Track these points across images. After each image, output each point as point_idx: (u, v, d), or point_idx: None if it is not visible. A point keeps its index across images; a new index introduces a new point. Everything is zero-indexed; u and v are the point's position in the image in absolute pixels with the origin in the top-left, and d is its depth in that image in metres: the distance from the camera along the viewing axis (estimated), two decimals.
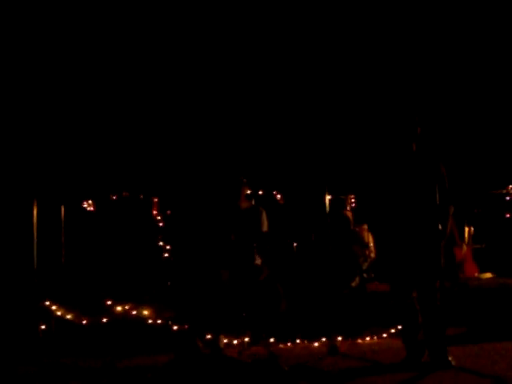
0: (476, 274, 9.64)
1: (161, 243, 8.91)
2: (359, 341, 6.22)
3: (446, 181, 5.24)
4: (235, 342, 6.00)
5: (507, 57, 10.75)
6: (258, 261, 5.96)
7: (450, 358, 5.10)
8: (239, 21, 10.69)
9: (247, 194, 6.26)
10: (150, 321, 6.63)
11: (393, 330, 6.24)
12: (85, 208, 9.15)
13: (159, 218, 9.31)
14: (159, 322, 6.60)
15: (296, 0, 10.72)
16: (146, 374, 5.21)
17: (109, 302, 7.04)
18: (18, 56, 10.12)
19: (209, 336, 5.77)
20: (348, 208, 9.45)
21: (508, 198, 10.66)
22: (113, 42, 10.54)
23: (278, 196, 9.69)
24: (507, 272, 9.42)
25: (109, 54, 10.64)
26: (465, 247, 9.72)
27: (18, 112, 10.18)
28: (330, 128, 10.84)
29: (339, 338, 6.02)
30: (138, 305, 7.06)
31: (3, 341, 6.29)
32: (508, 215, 10.54)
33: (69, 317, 6.67)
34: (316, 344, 6.08)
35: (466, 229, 9.86)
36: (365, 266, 8.77)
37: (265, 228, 6.03)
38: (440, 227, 5.18)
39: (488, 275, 9.60)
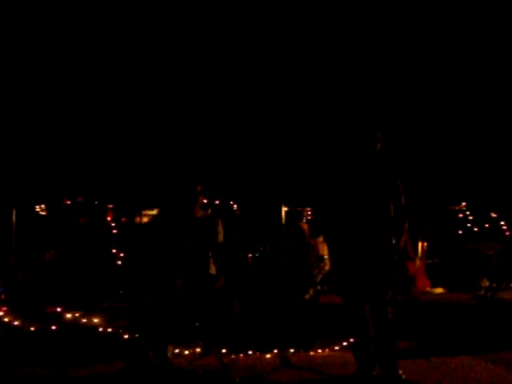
0: (428, 289, 9.75)
1: (114, 250, 8.81)
2: (311, 353, 6.20)
3: (402, 196, 5.28)
4: (186, 351, 5.93)
5: (463, 72, 10.93)
6: (213, 270, 5.91)
7: (400, 372, 5.12)
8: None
9: (203, 203, 6.22)
10: (100, 329, 6.53)
11: (345, 343, 6.25)
12: (37, 212, 9.01)
13: (113, 224, 9.20)
14: (110, 330, 6.50)
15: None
16: (98, 382, 5.11)
17: (58, 309, 6.92)
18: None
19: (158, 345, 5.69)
20: (304, 220, 9.48)
21: (461, 214, 10.84)
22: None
23: (235, 206, 9.67)
24: (458, 287, 9.55)
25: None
26: (418, 261, 9.82)
27: None
28: (288, 139, 10.87)
29: (291, 350, 6.00)
30: (89, 312, 6.94)
31: None
32: (460, 231, 10.70)
33: (16, 323, 6.52)
34: (268, 355, 6.04)
35: (420, 243, 9.98)
36: (319, 278, 8.79)
37: (221, 238, 5.99)
38: (394, 241, 5.21)
39: (440, 290, 9.72)
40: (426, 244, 10.09)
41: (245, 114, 11.05)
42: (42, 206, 9.29)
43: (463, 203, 10.70)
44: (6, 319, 6.51)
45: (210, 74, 10.93)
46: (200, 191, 6.03)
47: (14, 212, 8.56)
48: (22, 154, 10.17)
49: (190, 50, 10.83)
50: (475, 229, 10.72)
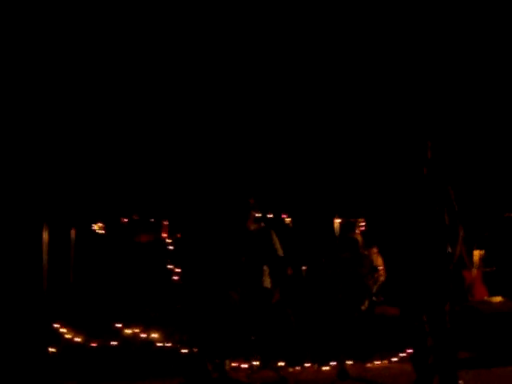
0: (485, 298, 9.58)
1: (170, 266, 8.92)
2: (369, 365, 6.18)
3: (454, 204, 5.24)
4: (244, 365, 5.97)
5: None
6: (267, 283, 5.94)
7: (460, 382, 5.06)
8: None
9: (256, 217, 6.26)
10: (159, 344, 6.62)
11: (403, 354, 6.20)
12: (95, 230, 9.19)
13: (169, 240, 9.33)
14: (168, 345, 6.59)
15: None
16: None
17: (118, 325, 7.04)
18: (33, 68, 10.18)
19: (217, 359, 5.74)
20: (357, 231, 9.44)
21: None
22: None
23: (288, 219, 9.69)
24: None
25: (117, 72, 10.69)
26: (474, 270, 9.67)
27: (30, 133, 10.24)
28: (340, 151, 10.86)
29: (349, 362, 5.99)
30: (148, 328, 7.05)
31: (13, 363, 6.28)
32: None
33: (78, 340, 6.67)
34: (325, 368, 6.04)
35: (476, 252, 9.82)
36: (374, 289, 8.74)
37: (280, 252, 5.99)
38: (450, 250, 5.17)
39: (498, 299, 9.53)
40: (482, 252, 9.92)
41: (297, 126, 11.07)
42: (100, 224, 9.48)
43: None
44: (68, 336, 6.67)
45: (256, 85, 11.01)
46: (252, 204, 6.08)
47: (73, 231, 8.76)
48: (79, 174, 10.40)
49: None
50: None
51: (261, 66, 11.00)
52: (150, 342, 6.65)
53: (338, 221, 6.20)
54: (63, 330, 6.67)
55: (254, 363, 5.93)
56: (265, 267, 5.93)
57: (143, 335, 6.81)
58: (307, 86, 11.09)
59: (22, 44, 10.22)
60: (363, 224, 9.64)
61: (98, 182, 10.50)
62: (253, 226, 6.09)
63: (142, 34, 10.71)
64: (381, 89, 11.08)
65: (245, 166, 10.79)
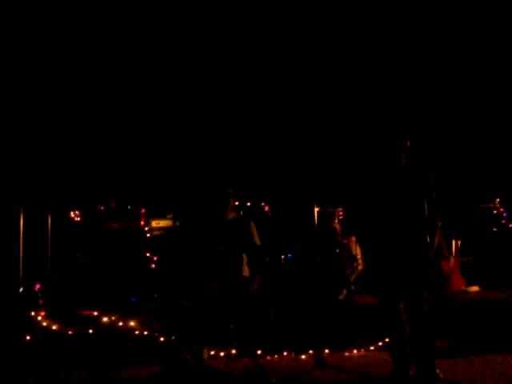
0: (463, 287, 9.67)
1: (148, 254, 8.89)
2: (347, 353, 6.19)
3: (434, 193, 5.25)
4: (222, 353, 5.96)
5: (497, 70, 10.82)
6: (246, 272, 5.93)
7: (438, 371, 5.08)
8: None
9: (234, 205, 6.23)
10: (136, 332, 6.60)
11: (380, 343, 6.22)
12: (72, 218, 9.12)
13: (146, 229, 9.29)
14: (146, 333, 6.56)
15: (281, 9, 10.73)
16: None
17: (95, 313, 7.00)
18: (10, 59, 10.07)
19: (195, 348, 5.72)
20: (336, 220, 9.47)
21: (495, 211, 10.72)
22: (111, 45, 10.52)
23: (266, 208, 9.68)
24: (494, 285, 9.45)
25: (107, 63, 10.62)
26: (452, 260, 9.74)
27: (5, 120, 10.12)
28: (319, 140, 10.85)
29: (326, 351, 6.00)
30: (125, 316, 7.01)
31: None
32: (495, 229, 10.59)
33: (54, 327, 6.61)
34: (303, 356, 6.04)
35: (454, 242, 9.89)
36: (352, 278, 8.77)
37: (257, 241, 5.97)
38: (428, 239, 5.18)
39: (475, 288, 9.62)
40: (460, 242, 10.00)
41: (276, 115, 11.06)
42: (77, 211, 9.41)
43: (497, 200, 10.58)
44: (45, 323, 6.61)
45: (237, 75, 10.97)
46: (231, 193, 6.05)
47: (50, 218, 8.68)
48: (55, 161, 10.30)
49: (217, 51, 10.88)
50: (510, 225, 10.60)
51: (240, 56, 10.97)
52: (128, 330, 6.62)
53: (317, 210, 6.18)
54: (39, 318, 6.61)
55: (232, 352, 5.92)
56: (244, 256, 5.92)
57: (120, 323, 6.77)
58: (284, 76, 11.07)
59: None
60: (342, 213, 9.67)
61: (75, 169, 10.41)
62: (231, 215, 6.06)
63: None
64: (360, 78, 11.08)
65: (223, 155, 10.76)
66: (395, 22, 10.88)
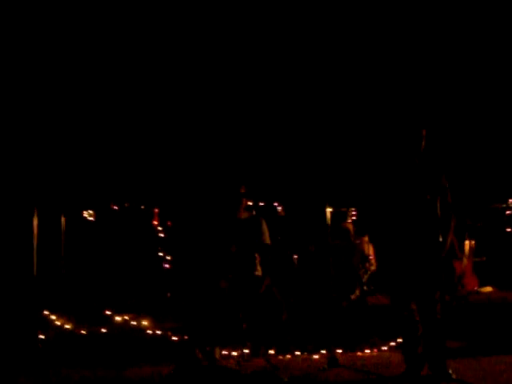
0: (476, 288, 9.62)
1: (161, 254, 8.91)
2: (359, 353, 6.19)
3: (448, 194, 5.24)
4: (235, 353, 5.98)
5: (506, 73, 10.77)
6: (259, 271, 5.94)
7: (450, 371, 5.08)
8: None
9: (247, 205, 6.24)
10: (149, 331, 6.62)
11: (393, 343, 6.22)
12: (85, 218, 9.16)
13: (160, 228, 9.31)
14: (159, 332, 6.59)
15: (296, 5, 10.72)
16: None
17: (108, 312, 7.04)
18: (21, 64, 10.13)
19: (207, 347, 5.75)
20: (349, 220, 9.45)
21: (509, 212, 10.65)
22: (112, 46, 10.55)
23: (279, 208, 9.69)
24: (507, 286, 9.40)
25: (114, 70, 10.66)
26: (465, 260, 9.69)
27: (19, 121, 10.19)
28: (332, 140, 10.85)
29: (339, 351, 6.00)
30: (138, 315, 7.05)
31: (2, 350, 6.26)
32: (509, 229, 10.52)
33: (68, 326, 6.66)
34: (316, 356, 6.05)
35: (467, 242, 9.83)
36: (365, 278, 8.76)
37: (267, 239, 5.99)
38: (441, 239, 5.17)
39: (488, 289, 9.57)
40: (473, 242, 9.94)
41: (289, 115, 11.05)
42: (90, 211, 9.45)
43: (511, 200, 10.52)
44: (58, 323, 6.65)
45: (251, 74, 10.97)
46: (244, 193, 6.06)
47: (63, 218, 8.73)
48: (69, 162, 10.35)
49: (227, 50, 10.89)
50: None
51: (243, 55, 10.98)
52: (140, 329, 6.65)
53: (329, 210, 6.18)
54: (53, 317, 6.65)
55: (245, 351, 5.93)
56: (256, 255, 5.93)
57: (133, 322, 6.80)
58: (296, 76, 11.06)
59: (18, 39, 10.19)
60: (354, 213, 9.65)
61: (88, 168, 10.46)
62: (244, 215, 6.08)
63: (136, 28, 10.68)
64: (375, 78, 11.06)
65: (237, 154, 10.77)
66: (410, 22, 10.85)
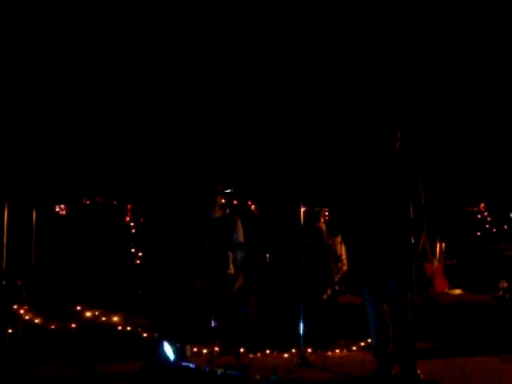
0: (446, 290, 9.71)
1: (133, 250, 8.86)
2: (329, 353, 6.21)
3: (422, 195, 5.26)
4: (205, 350, 5.97)
5: (486, 71, 10.87)
6: (232, 270, 5.93)
7: (418, 372, 5.12)
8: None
9: (222, 203, 6.23)
10: (119, 327, 6.58)
11: (362, 343, 6.26)
12: (57, 212, 9.07)
13: (132, 224, 9.26)
14: (129, 328, 6.55)
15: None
16: (120, 380, 5.15)
17: (78, 308, 6.97)
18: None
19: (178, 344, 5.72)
20: (322, 220, 9.48)
21: (479, 215, 10.78)
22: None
23: (253, 206, 9.69)
24: (476, 288, 9.50)
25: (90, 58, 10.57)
26: (436, 262, 9.78)
27: None
28: (306, 140, 10.87)
29: (309, 350, 6.02)
30: (109, 311, 6.99)
31: None
32: (479, 232, 10.65)
33: (37, 321, 6.58)
34: (286, 355, 6.06)
35: (438, 244, 9.93)
36: (337, 278, 8.80)
37: (241, 238, 5.99)
38: (413, 241, 5.20)
39: (458, 291, 9.67)
40: (444, 245, 10.04)
41: (263, 114, 11.05)
42: (62, 206, 9.36)
43: (482, 204, 10.64)
44: (27, 317, 6.58)
45: (226, 74, 10.95)
46: (220, 191, 6.05)
47: (34, 212, 8.64)
48: (41, 155, 10.24)
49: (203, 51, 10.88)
50: (494, 230, 10.67)
51: (226, 55, 10.97)
52: (111, 325, 6.60)
53: (302, 209, 6.19)
54: (22, 312, 6.58)
55: (215, 349, 5.92)
56: (229, 254, 5.92)
57: (104, 318, 6.75)
58: (271, 76, 11.08)
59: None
60: (327, 213, 9.68)
61: (61, 162, 10.36)
62: (218, 213, 6.06)
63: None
64: (350, 79, 11.10)
65: (212, 153, 10.74)
66: (386, 24, 10.91)
